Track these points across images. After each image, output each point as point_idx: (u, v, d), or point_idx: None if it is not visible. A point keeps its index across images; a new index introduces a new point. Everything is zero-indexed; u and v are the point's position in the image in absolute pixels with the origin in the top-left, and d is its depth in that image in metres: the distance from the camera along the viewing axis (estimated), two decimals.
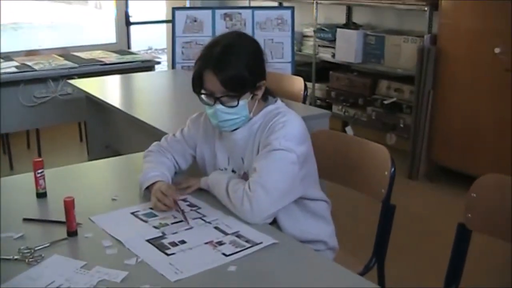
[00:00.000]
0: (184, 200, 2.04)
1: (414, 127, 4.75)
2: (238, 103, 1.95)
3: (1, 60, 5.05)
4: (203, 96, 2.00)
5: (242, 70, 1.93)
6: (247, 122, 2.03)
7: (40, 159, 2.07)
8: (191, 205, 1.99)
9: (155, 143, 2.30)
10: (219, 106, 1.96)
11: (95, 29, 6.84)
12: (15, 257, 1.63)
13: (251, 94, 1.99)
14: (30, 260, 1.61)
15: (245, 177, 2.04)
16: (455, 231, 1.99)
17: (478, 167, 4.24)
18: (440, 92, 4.55)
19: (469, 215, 1.96)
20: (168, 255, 1.63)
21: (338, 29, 5.56)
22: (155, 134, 2.92)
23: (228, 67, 1.92)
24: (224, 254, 1.64)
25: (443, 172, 4.68)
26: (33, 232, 1.82)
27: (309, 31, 5.96)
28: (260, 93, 2.03)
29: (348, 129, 5.44)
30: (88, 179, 2.37)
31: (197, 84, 1.99)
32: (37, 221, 1.89)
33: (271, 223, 1.91)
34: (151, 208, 1.95)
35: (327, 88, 5.76)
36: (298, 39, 5.96)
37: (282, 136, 1.92)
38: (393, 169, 2.15)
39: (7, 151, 5.26)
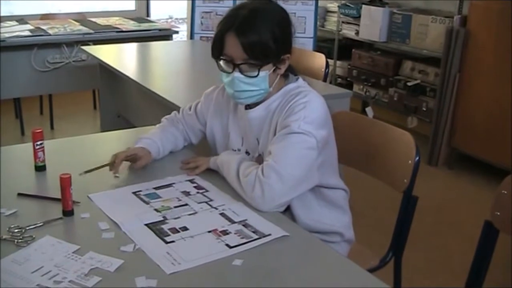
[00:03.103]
0: (191, 181, 1.91)
1: (437, 111, 4.58)
2: (258, 73, 1.80)
3: (15, 23, 4.95)
4: (222, 62, 1.85)
5: (267, 37, 1.77)
6: (264, 100, 1.89)
7: (40, 129, 1.94)
8: (198, 187, 1.86)
9: (174, 112, 2.24)
10: (237, 74, 1.81)
11: None
12: (4, 236, 1.51)
13: (274, 67, 1.84)
14: (20, 241, 1.49)
15: (259, 160, 1.90)
16: (481, 229, 1.83)
17: (501, 156, 4.09)
18: (467, 77, 4.37)
19: (498, 213, 1.79)
20: (166, 242, 1.50)
21: (364, 6, 5.39)
22: (167, 106, 2.80)
23: (253, 32, 1.76)
24: (228, 245, 1.50)
25: (464, 159, 4.53)
26: (27, 209, 1.69)
27: (333, 6, 5.81)
28: (283, 68, 1.87)
29: (368, 110, 5.27)
30: (92, 153, 2.23)
31: (217, 48, 1.83)
32: (32, 197, 1.77)
33: (284, 211, 1.77)
34: (154, 188, 1.83)
35: (349, 66, 5.62)
36: (321, 14, 5.81)
37: (302, 118, 1.77)
38: (417, 158, 2.00)
39: (19, 116, 5.18)
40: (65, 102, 5.81)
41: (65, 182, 1.62)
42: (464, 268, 1.86)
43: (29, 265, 1.38)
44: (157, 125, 2.18)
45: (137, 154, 1.98)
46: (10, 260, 1.40)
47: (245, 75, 1.81)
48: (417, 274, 3.00)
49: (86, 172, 1.85)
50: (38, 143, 1.93)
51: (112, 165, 1.92)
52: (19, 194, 1.77)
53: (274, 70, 1.84)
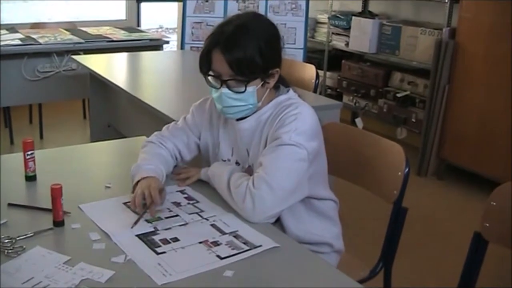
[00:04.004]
0: (182, 191, 1.91)
1: (426, 123, 4.61)
2: (245, 88, 1.81)
3: (6, 32, 4.94)
4: (210, 77, 1.86)
5: (253, 53, 1.77)
6: (255, 112, 1.89)
7: (30, 139, 1.94)
8: (189, 198, 1.86)
9: (156, 132, 2.11)
10: (225, 90, 1.82)
11: (106, 5, 6.68)
12: None
13: (262, 81, 1.84)
14: (10, 251, 1.48)
15: (249, 171, 1.90)
16: (471, 240, 1.84)
17: (490, 168, 4.13)
18: (456, 88, 4.40)
19: (487, 224, 1.81)
20: (158, 253, 1.50)
21: (354, 17, 5.43)
22: (157, 117, 2.80)
23: (238, 48, 1.76)
24: (218, 256, 1.50)
25: (453, 170, 4.55)
26: (18, 219, 1.69)
27: (324, 17, 5.84)
28: (272, 82, 1.88)
29: (358, 121, 5.30)
30: (82, 163, 2.23)
31: (205, 64, 1.84)
32: (23, 207, 1.76)
33: (274, 222, 1.78)
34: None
35: (339, 77, 5.64)
36: (311, 26, 5.84)
37: (293, 130, 1.77)
38: (407, 170, 2.01)
39: (8, 125, 5.16)
40: (55, 111, 5.79)
41: (56, 193, 1.62)
42: (454, 279, 1.87)
43: (19, 276, 1.38)
44: (144, 150, 2.02)
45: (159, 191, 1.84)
46: (1, 271, 1.40)
47: (232, 91, 1.81)
48: (407, 284, 3.00)
49: (135, 223, 1.66)
50: (29, 153, 1.93)
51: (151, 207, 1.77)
52: (10, 204, 1.76)
53: (262, 85, 1.85)
